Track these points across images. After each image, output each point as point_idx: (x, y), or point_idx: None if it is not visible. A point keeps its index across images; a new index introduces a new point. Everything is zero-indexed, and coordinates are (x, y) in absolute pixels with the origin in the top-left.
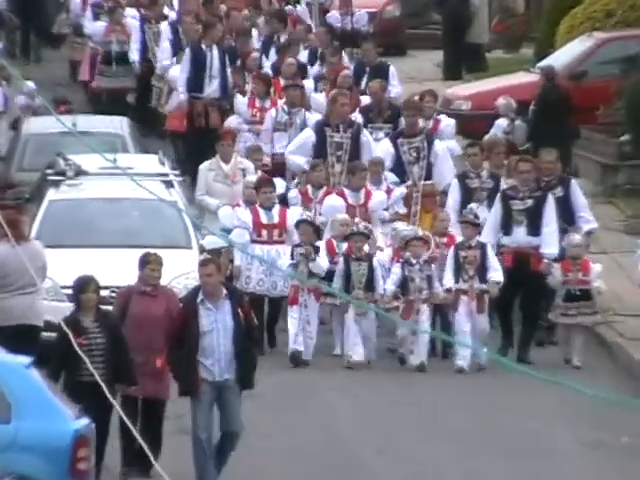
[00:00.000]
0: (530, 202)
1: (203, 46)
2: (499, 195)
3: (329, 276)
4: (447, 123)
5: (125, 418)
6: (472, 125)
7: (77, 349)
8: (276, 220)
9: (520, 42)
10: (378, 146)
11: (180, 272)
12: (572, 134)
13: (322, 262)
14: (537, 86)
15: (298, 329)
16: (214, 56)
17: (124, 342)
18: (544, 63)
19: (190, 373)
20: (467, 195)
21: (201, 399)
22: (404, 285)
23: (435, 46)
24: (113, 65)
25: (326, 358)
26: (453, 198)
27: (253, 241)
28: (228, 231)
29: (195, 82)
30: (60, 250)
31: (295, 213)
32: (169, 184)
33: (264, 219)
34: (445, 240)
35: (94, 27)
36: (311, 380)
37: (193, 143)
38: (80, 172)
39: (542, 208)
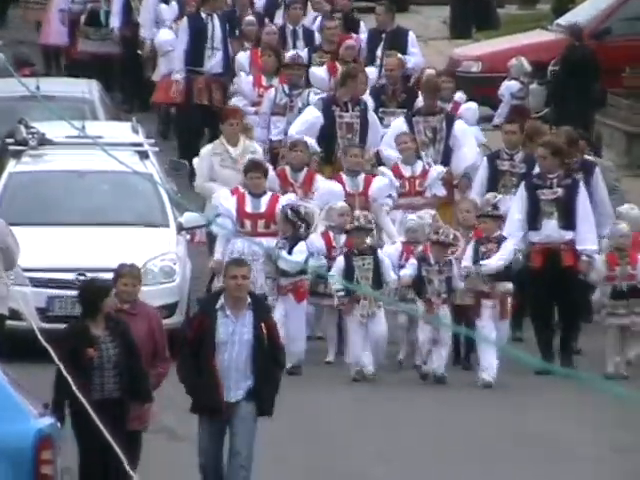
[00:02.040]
0: (560, 191)
1: (203, 15)
2: (523, 184)
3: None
4: (468, 107)
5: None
6: (483, 89)
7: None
8: (262, 209)
9: None
10: (392, 124)
11: (156, 253)
12: (598, 100)
13: (296, 256)
14: (556, 46)
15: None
16: (215, 26)
17: (137, 353)
18: (565, 19)
19: (207, 389)
20: (494, 178)
21: (211, 420)
22: (420, 285)
23: (441, 1)
24: (101, 27)
25: (317, 367)
26: (479, 181)
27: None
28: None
29: (195, 55)
30: (22, 228)
31: (288, 201)
32: (144, 155)
33: (249, 207)
34: (472, 234)
35: None
36: (304, 390)
37: (192, 123)
38: (44, 141)
39: (574, 198)
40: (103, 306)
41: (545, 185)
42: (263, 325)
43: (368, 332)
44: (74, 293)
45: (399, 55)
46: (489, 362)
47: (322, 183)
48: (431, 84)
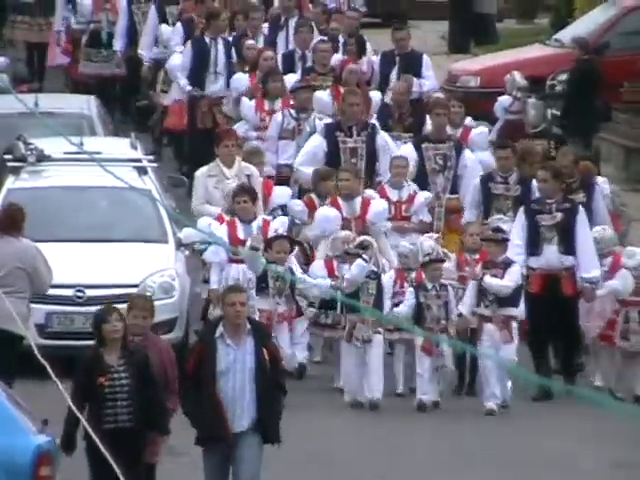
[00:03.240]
0: (559, 216)
1: (206, 39)
2: (522, 210)
3: (329, 303)
4: (479, 131)
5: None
6: (481, 104)
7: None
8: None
9: (534, 11)
10: (400, 150)
11: (155, 269)
12: (602, 115)
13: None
14: (555, 60)
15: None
16: (219, 50)
17: (155, 383)
18: (566, 34)
19: (211, 420)
20: (488, 202)
21: (215, 452)
22: (419, 313)
23: (440, 16)
24: (103, 48)
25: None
26: (473, 203)
27: (229, 260)
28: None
29: (198, 79)
30: None
31: (279, 224)
32: (142, 170)
33: (241, 234)
34: (477, 257)
35: (81, 3)
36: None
37: (197, 146)
38: (42, 157)
39: (574, 222)
40: (104, 331)
41: (544, 210)
42: (265, 350)
43: (366, 357)
44: (72, 309)
45: (415, 79)
46: (491, 389)
47: (318, 210)
48: (440, 102)
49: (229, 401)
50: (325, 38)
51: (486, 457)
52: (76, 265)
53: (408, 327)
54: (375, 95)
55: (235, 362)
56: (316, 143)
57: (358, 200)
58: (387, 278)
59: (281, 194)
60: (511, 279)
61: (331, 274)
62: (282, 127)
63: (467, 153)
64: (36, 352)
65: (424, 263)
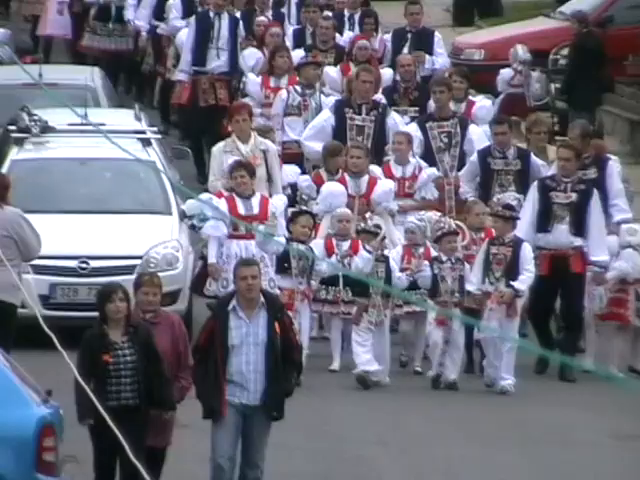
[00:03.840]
0: (574, 196)
1: (210, 14)
2: (535, 185)
3: (331, 279)
4: (483, 105)
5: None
6: (485, 77)
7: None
8: (256, 211)
9: None
10: (405, 128)
11: (159, 240)
12: (605, 88)
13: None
14: (559, 33)
15: None
16: (222, 26)
17: (159, 360)
18: (568, 7)
19: (215, 393)
20: (487, 177)
21: (223, 423)
22: (434, 285)
23: None
24: (110, 22)
25: (323, 374)
26: (470, 174)
27: (229, 235)
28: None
29: (200, 55)
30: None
31: (279, 201)
32: (146, 142)
33: (241, 210)
34: (482, 235)
35: None
36: (310, 398)
37: (197, 123)
38: (46, 129)
39: (588, 204)
40: (107, 311)
41: (559, 188)
42: (276, 324)
43: (374, 340)
44: (76, 280)
45: (427, 56)
46: (503, 368)
47: (324, 185)
48: (440, 79)
49: (245, 374)
50: (329, 14)
51: (486, 430)
52: (80, 236)
53: (420, 303)
54: (386, 72)
55: (248, 335)
56: (325, 117)
57: (365, 179)
58: (394, 254)
59: (290, 172)
60: (529, 277)
61: (330, 252)
62: (287, 103)
63: (472, 128)
64: (42, 323)
65: (437, 237)
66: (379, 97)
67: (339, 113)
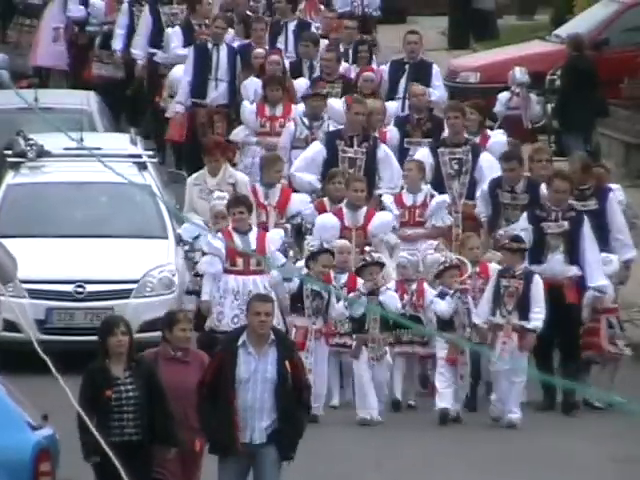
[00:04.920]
0: (566, 224)
1: (209, 45)
2: (526, 216)
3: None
4: (497, 140)
5: None
6: (481, 100)
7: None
8: (253, 246)
9: (535, 7)
10: (416, 154)
11: (154, 264)
12: (600, 111)
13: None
14: (555, 56)
15: None
16: (221, 57)
17: (162, 394)
18: (566, 30)
19: (226, 428)
20: (496, 211)
21: (231, 462)
22: (444, 321)
23: (439, 11)
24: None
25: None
26: (483, 204)
27: (226, 270)
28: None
29: (198, 87)
30: (20, 240)
31: (275, 236)
32: (142, 166)
33: (239, 245)
34: (477, 269)
35: (93, 5)
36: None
37: (195, 156)
38: (42, 153)
39: (579, 231)
40: (109, 345)
41: (550, 218)
42: (287, 363)
43: (373, 375)
44: (72, 304)
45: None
46: (511, 401)
47: (318, 218)
48: (454, 105)
49: (248, 411)
50: (332, 46)
51: (485, 454)
52: (76, 261)
53: (439, 335)
54: (391, 105)
55: (256, 372)
56: (316, 149)
57: (363, 210)
58: (390, 295)
59: (300, 200)
60: (541, 314)
61: (328, 283)
62: (295, 136)
63: (484, 156)
64: (37, 347)
65: (439, 272)
66: (389, 129)
67: (331, 145)
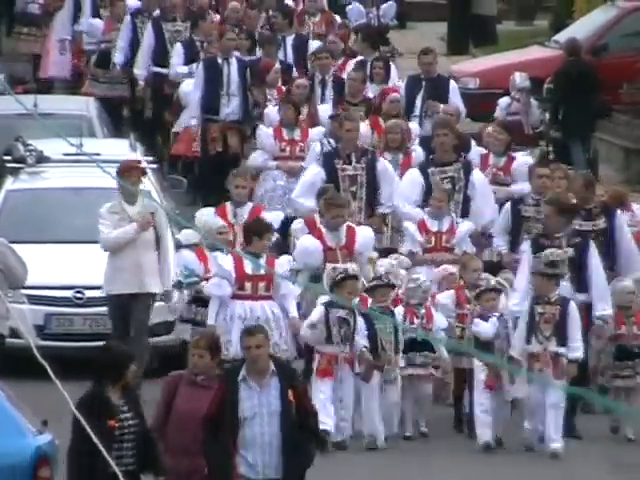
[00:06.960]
0: (571, 251)
1: (219, 60)
2: (528, 244)
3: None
4: (524, 161)
5: None
6: (480, 106)
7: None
8: (263, 271)
9: (534, 12)
10: (405, 175)
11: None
12: (601, 113)
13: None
14: (554, 62)
15: (326, 408)
16: (232, 71)
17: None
18: (563, 35)
19: (226, 468)
20: (517, 225)
21: None
22: (487, 342)
23: (438, 17)
24: (112, 69)
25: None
26: (502, 227)
27: (234, 296)
28: (191, 273)
29: (210, 102)
30: (19, 246)
31: (284, 262)
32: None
33: (249, 269)
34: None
35: (91, 24)
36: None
37: (208, 173)
38: (42, 159)
39: (586, 258)
40: (127, 376)
41: (553, 245)
42: (290, 392)
43: (384, 398)
44: (72, 310)
45: (440, 105)
46: (552, 429)
47: (299, 240)
48: (441, 121)
49: (257, 447)
50: (358, 66)
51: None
52: (75, 266)
53: (480, 355)
54: (415, 127)
55: (260, 406)
56: (314, 172)
57: (343, 229)
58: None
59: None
60: (579, 344)
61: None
62: (321, 157)
63: (476, 174)
64: (36, 353)
65: (477, 295)
66: (414, 148)
67: (329, 165)
